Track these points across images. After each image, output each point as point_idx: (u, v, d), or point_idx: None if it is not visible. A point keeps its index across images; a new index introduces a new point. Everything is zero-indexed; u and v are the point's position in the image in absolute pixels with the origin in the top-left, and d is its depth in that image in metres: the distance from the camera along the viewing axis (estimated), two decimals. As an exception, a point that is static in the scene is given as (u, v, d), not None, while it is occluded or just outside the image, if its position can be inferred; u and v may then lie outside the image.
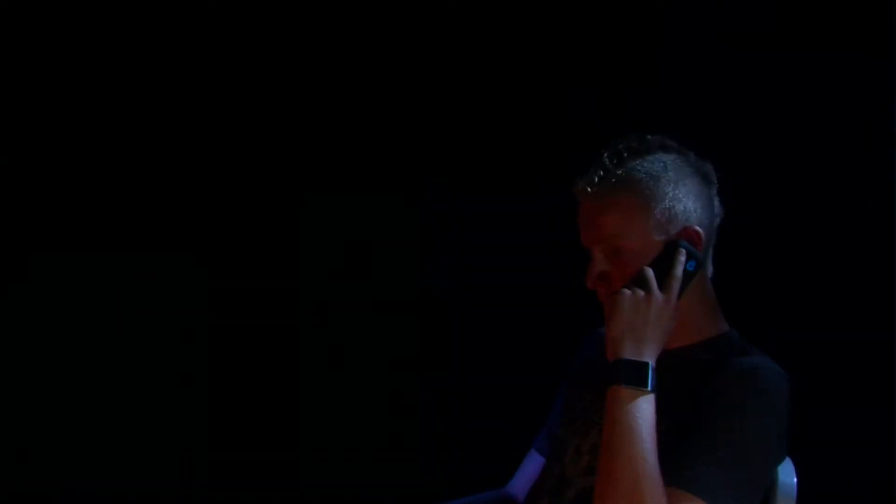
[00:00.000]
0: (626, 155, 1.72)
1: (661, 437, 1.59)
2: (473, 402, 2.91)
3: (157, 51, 2.97)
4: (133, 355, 2.99)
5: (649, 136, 1.75)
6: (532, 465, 1.95)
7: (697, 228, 1.69)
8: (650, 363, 1.58)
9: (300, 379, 3.02)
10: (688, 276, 1.66)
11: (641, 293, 1.61)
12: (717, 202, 1.76)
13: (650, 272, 1.64)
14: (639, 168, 1.71)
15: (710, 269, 1.76)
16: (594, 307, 1.74)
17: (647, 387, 1.56)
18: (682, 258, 1.66)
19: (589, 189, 1.72)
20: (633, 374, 1.57)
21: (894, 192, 2.50)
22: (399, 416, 3.00)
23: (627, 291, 1.62)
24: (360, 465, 2.98)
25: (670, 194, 1.69)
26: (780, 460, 1.66)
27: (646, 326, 1.60)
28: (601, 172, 1.71)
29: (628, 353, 1.58)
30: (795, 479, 1.70)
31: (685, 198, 1.70)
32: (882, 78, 2.52)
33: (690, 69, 2.67)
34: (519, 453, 2.01)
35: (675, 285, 1.64)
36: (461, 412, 2.94)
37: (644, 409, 1.55)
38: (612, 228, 1.70)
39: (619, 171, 1.71)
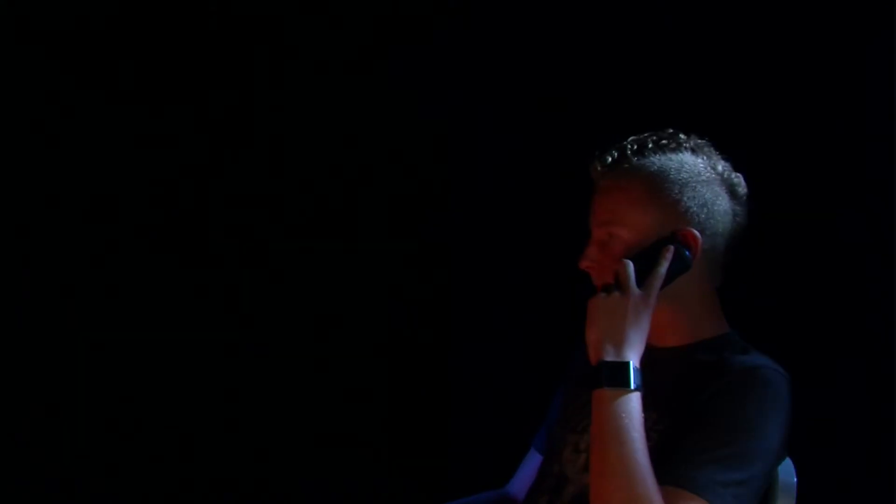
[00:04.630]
0: (649, 146, 1.72)
1: (661, 436, 1.60)
2: (473, 401, 2.91)
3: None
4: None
5: (682, 136, 1.75)
6: (531, 465, 1.95)
7: (694, 232, 1.68)
8: (631, 362, 1.58)
9: (298, 376, 3.02)
10: (671, 275, 1.66)
11: (617, 294, 1.61)
12: (739, 216, 1.73)
13: (630, 267, 1.63)
14: (654, 162, 1.71)
15: (717, 278, 1.75)
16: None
17: (630, 386, 1.56)
18: (669, 256, 1.65)
19: (600, 170, 1.72)
20: (615, 375, 1.57)
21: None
22: (398, 416, 3.00)
23: (602, 294, 1.62)
24: (359, 466, 2.98)
25: (676, 194, 1.69)
26: (781, 459, 1.67)
27: (624, 327, 1.59)
28: (616, 157, 1.71)
29: (609, 355, 1.58)
30: (795, 480, 1.70)
31: (692, 201, 1.69)
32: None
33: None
34: (518, 453, 2.01)
35: (657, 283, 1.63)
36: (460, 412, 2.94)
37: (630, 409, 1.55)
38: (611, 214, 1.70)
39: (635, 160, 1.71)
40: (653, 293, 1.62)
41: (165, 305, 3.00)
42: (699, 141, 1.75)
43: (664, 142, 1.73)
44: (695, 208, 1.69)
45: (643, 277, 1.63)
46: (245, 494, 3.00)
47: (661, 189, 1.69)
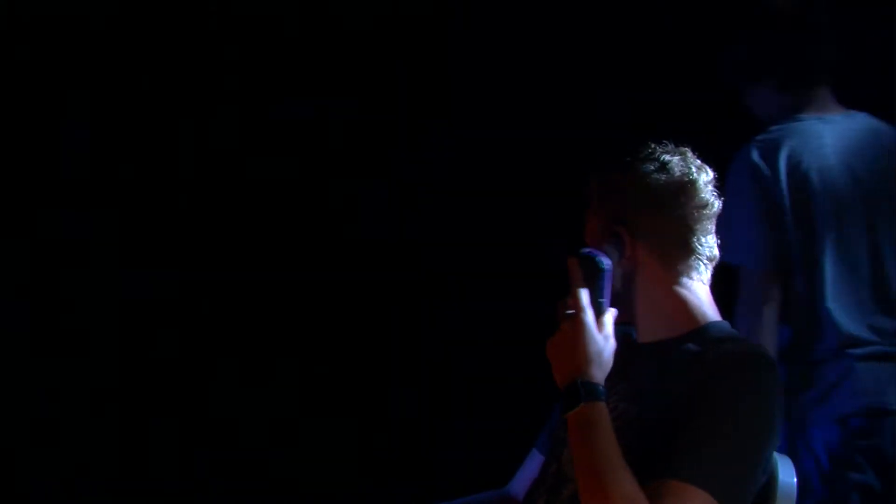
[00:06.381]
0: (616, 158, 1.79)
1: (644, 428, 1.63)
2: (474, 401, 2.92)
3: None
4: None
5: (655, 144, 1.79)
6: (533, 465, 1.95)
7: (617, 228, 1.73)
8: (578, 380, 1.62)
9: (298, 377, 3.02)
10: (593, 281, 1.68)
11: (565, 325, 1.66)
12: (706, 208, 1.75)
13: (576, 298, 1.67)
14: (607, 168, 1.78)
15: (696, 272, 1.76)
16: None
17: (580, 402, 1.61)
18: (577, 270, 1.69)
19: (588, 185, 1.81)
20: (570, 399, 1.62)
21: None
22: (398, 416, 3.00)
23: (549, 341, 1.67)
24: (359, 466, 2.98)
25: (623, 196, 1.75)
26: (775, 446, 1.68)
27: (569, 355, 1.64)
28: (592, 172, 1.80)
29: (562, 383, 1.64)
30: (795, 479, 1.70)
31: (625, 202, 1.75)
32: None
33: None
34: (518, 453, 2.01)
35: (580, 301, 1.67)
36: (461, 412, 2.94)
37: (591, 422, 1.60)
38: (585, 223, 1.79)
39: (601, 172, 1.79)
40: (581, 312, 1.66)
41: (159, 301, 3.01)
42: (669, 146, 1.79)
43: (641, 150, 1.78)
44: (640, 205, 1.74)
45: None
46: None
47: (603, 193, 1.77)
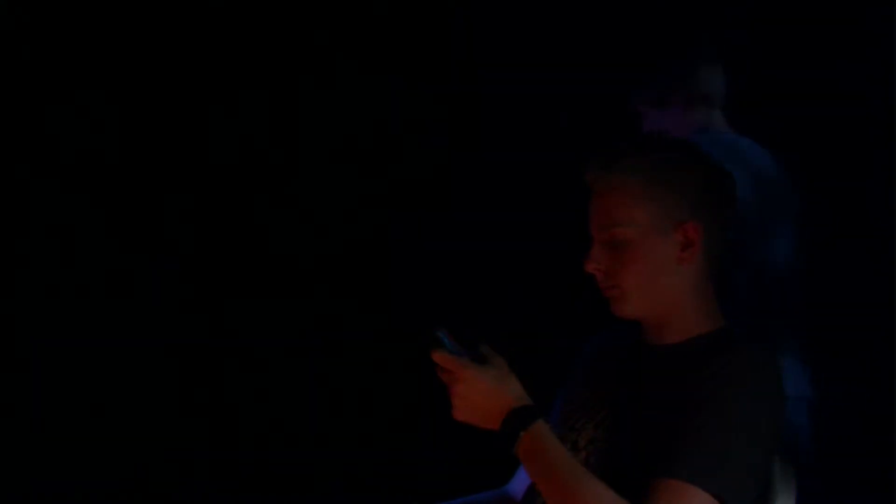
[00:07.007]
0: (639, 145, 1.74)
1: (653, 430, 1.62)
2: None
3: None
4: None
5: (669, 136, 1.80)
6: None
7: (696, 225, 1.70)
8: (501, 419, 1.62)
9: (298, 373, 3.02)
10: (446, 343, 1.68)
11: (458, 388, 1.65)
12: (729, 207, 1.76)
13: (444, 352, 1.66)
14: (647, 159, 1.71)
15: (714, 272, 1.76)
16: (601, 303, 1.75)
17: (519, 434, 1.61)
18: (445, 344, 1.67)
19: (598, 171, 1.72)
20: (508, 434, 1.62)
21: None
22: (398, 415, 3.00)
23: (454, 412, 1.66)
24: (359, 464, 2.98)
25: (672, 188, 1.70)
26: (778, 447, 1.68)
27: (477, 408, 1.65)
28: (609, 158, 1.71)
29: (496, 429, 1.64)
30: (795, 480, 1.71)
31: (687, 194, 1.70)
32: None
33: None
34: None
35: (452, 363, 1.64)
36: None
37: (538, 452, 1.60)
38: (612, 215, 1.70)
39: (627, 160, 1.70)
40: (456, 369, 1.64)
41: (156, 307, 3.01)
42: (682, 140, 1.80)
43: (653, 141, 1.77)
44: (691, 201, 1.70)
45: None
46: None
47: (657, 184, 1.69)
